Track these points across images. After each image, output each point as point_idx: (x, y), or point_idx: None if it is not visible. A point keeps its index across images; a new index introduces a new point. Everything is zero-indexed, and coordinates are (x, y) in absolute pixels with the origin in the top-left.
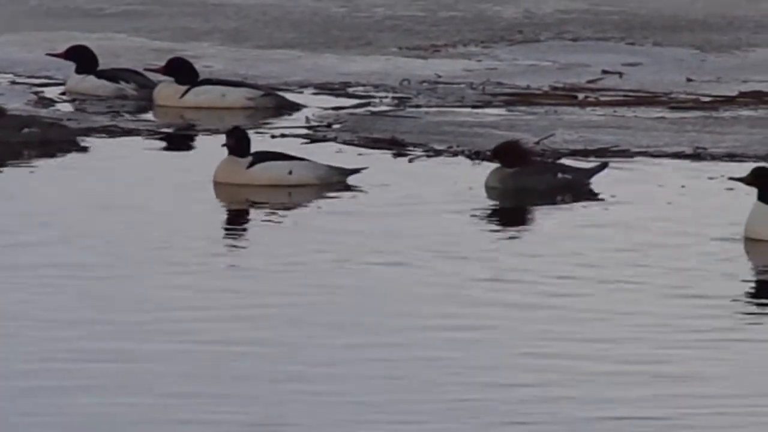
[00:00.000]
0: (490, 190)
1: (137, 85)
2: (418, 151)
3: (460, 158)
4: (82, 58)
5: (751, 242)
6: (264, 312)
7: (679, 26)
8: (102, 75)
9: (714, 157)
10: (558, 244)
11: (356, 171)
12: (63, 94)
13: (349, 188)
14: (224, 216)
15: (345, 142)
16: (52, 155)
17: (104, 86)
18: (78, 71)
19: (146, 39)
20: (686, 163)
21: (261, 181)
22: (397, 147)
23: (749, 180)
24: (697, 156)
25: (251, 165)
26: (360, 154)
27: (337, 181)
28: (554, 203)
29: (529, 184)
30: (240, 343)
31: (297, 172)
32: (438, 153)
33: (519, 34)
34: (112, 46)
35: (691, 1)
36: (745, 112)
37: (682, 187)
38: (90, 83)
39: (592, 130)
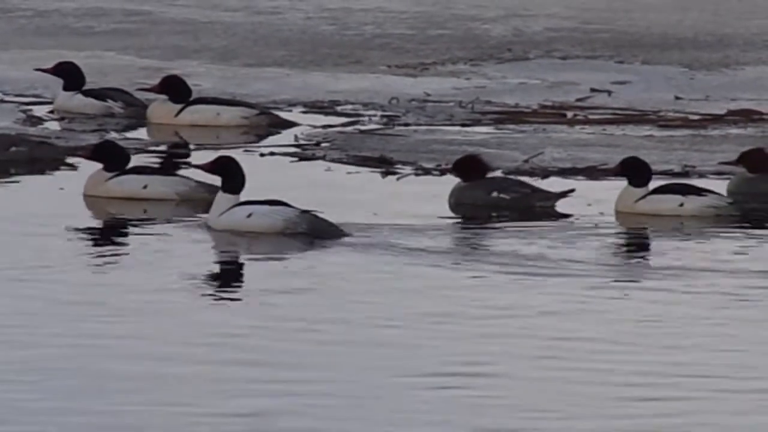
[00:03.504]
0: (448, 203)
1: (124, 103)
2: (407, 170)
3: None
4: (70, 75)
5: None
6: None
7: (668, 44)
8: (89, 94)
9: (702, 176)
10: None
11: None
12: (51, 112)
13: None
14: (65, 231)
15: (334, 161)
16: (40, 173)
17: (92, 104)
18: (66, 88)
19: (135, 57)
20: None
21: (116, 194)
22: (386, 165)
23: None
24: (685, 174)
25: (111, 178)
26: (349, 173)
27: (202, 197)
28: (487, 220)
29: (466, 199)
30: None
31: (153, 186)
32: (427, 171)
33: (508, 53)
34: (101, 65)
35: (680, 19)
36: (733, 131)
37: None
38: (78, 101)
39: (581, 149)
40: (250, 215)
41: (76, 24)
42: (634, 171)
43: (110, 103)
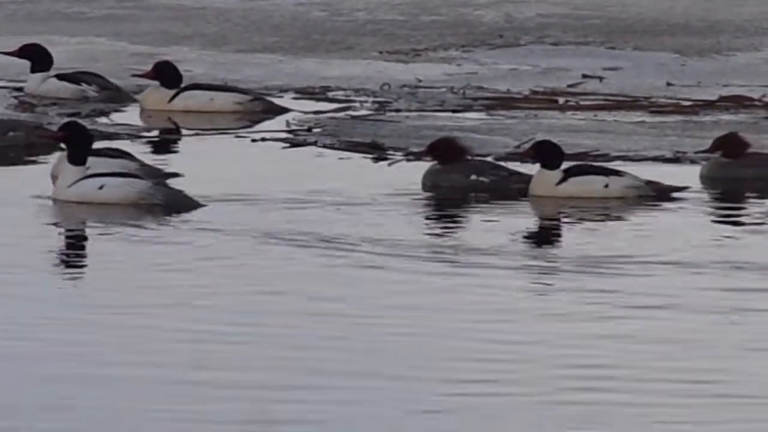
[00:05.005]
0: (422, 185)
1: (98, 87)
2: (398, 155)
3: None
4: (37, 56)
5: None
6: None
7: (660, 30)
8: (63, 77)
9: (694, 162)
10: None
11: (172, 176)
12: (34, 97)
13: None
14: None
15: (325, 146)
16: (36, 158)
17: (66, 88)
18: (33, 70)
19: (127, 43)
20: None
21: None
22: (377, 151)
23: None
24: (676, 160)
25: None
26: (341, 158)
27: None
28: (464, 203)
29: (443, 181)
30: None
31: (94, 168)
32: (418, 157)
33: (500, 39)
34: (93, 51)
35: (671, 5)
36: (725, 117)
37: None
38: (52, 85)
39: (572, 135)
40: (102, 187)
41: (67, 10)
42: (548, 154)
43: (84, 87)
